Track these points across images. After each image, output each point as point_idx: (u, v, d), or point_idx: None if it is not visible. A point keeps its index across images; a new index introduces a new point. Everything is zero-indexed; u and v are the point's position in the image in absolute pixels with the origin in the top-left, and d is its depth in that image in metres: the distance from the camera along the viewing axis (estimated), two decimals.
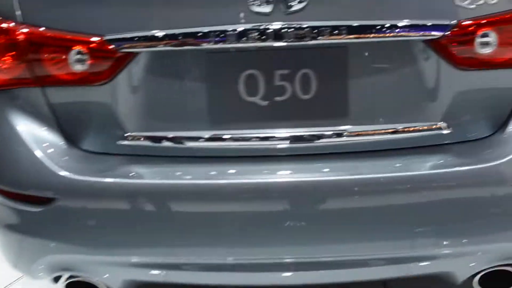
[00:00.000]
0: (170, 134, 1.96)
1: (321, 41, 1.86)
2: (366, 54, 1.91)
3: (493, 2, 1.89)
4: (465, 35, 1.89)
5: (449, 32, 1.88)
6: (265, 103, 1.92)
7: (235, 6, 1.85)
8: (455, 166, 1.91)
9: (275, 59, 1.91)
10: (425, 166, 1.92)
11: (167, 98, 1.95)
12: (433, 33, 1.88)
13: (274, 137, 1.94)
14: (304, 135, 1.94)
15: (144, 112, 1.96)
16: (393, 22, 1.87)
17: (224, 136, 1.94)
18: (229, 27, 1.85)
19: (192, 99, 1.94)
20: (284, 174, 1.92)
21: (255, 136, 1.94)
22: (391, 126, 1.95)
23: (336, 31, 1.85)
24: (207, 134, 1.95)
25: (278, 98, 1.92)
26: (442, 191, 1.89)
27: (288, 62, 1.90)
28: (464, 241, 1.92)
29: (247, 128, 1.94)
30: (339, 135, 1.94)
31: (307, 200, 1.87)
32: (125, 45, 1.89)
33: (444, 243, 1.92)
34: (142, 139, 1.97)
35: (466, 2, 1.88)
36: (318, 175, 1.90)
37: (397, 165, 1.92)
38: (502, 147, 1.94)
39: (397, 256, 1.95)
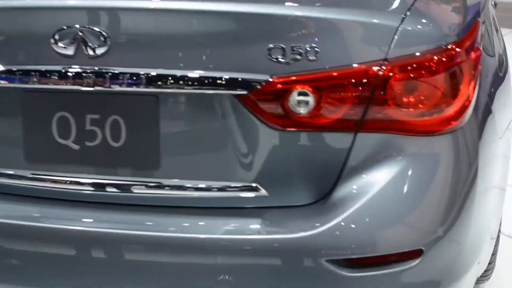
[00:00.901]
0: None
1: (126, 88, 1.78)
2: (177, 105, 1.80)
3: (312, 58, 1.73)
4: (277, 93, 1.74)
5: (259, 88, 1.73)
6: (77, 147, 1.86)
7: (39, 46, 1.79)
8: (257, 233, 1.77)
9: (85, 103, 1.83)
10: (224, 230, 1.78)
11: None
12: (242, 88, 1.74)
13: (83, 182, 1.87)
14: (113, 183, 1.86)
15: None
16: (200, 74, 1.74)
17: (34, 176, 1.90)
18: (32, 68, 1.80)
19: (10, 136, 1.90)
20: (80, 222, 1.84)
21: (65, 180, 1.88)
22: (202, 184, 1.83)
23: (140, 79, 1.76)
24: (19, 172, 1.91)
25: (89, 143, 1.85)
26: (239, 259, 1.76)
27: (98, 107, 1.83)
28: None
29: (57, 171, 1.89)
30: (147, 187, 1.84)
31: (93, 250, 1.81)
32: None
33: None
34: None
35: (281, 57, 1.73)
36: (113, 226, 1.81)
37: (192, 225, 1.80)
38: (318, 218, 1.77)
39: None
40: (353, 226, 1.74)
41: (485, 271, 2.47)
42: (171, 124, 1.81)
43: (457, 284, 1.89)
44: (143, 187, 1.84)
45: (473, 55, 1.86)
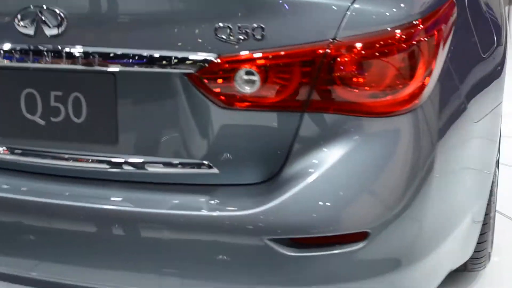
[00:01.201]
0: None
1: (84, 66, 1.83)
2: (133, 83, 1.84)
3: (258, 38, 1.73)
4: (223, 72, 1.76)
5: (206, 67, 1.76)
6: (43, 122, 1.93)
7: (5, 25, 1.88)
8: (202, 210, 1.80)
9: (49, 81, 1.90)
10: (172, 205, 1.82)
11: None
12: (190, 67, 1.77)
13: (48, 156, 1.95)
14: (75, 158, 1.92)
15: None
16: (151, 53, 1.78)
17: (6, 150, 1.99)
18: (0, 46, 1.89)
19: None
20: (48, 195, 1.92)
21: (33, 153, 1.96)
22: (156, 160, 1.87)
23: (95, 58, 1.81)
24: None
25: (54, 119, 1.92)
26: (184, 234, 1.80)
27: (61, 84, 1.89)
28: None
29: (27, 145, 1.97)
30: (105, 162, 1.90)
31: (39, 221, 1.90)
32: None
33: None
34: None
35: (228, 36, 1.74)
36: (71, 198, 1.89)
37: (142, 199, 1.85)
38: (263, 196, 1.78)
39: None
40: (296, 205, 1.74)
41: (476, 258, 2.41)
42: (128, 102, 1.86)
43: (419, 265, 1.86)
44: (102, 162, 1.90)
45: (436, 34, 1.81)
